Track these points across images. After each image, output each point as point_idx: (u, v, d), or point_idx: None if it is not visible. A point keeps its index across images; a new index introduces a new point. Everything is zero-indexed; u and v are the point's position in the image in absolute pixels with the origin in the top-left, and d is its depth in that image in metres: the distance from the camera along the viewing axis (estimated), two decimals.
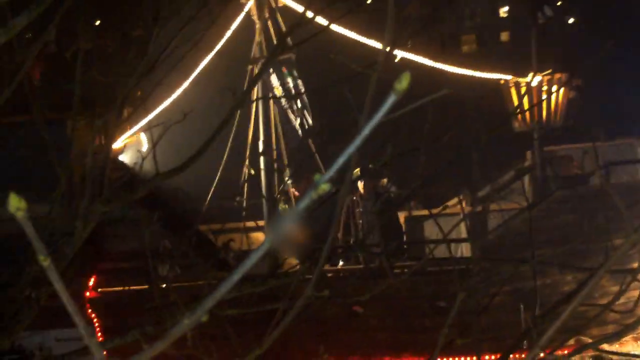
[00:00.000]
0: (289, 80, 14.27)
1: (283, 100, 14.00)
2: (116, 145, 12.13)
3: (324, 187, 1.13)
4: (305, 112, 14.45)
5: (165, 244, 11.96)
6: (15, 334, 4.60)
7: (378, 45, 15.45)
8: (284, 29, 13.80)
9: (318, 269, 2.23)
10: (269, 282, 3.68)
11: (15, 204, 1.14)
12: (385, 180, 13.19)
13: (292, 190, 14.92)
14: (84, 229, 4.14)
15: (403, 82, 1.13)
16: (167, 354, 3.63)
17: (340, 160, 1.17)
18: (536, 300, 4.53)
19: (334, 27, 13.84)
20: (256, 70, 13.40)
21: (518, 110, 12.62)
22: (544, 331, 2.69)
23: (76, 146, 5.70)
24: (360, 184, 14.03)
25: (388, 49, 1.74)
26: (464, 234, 14.46)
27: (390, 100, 1.14)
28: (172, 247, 10.68)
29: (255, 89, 13.46)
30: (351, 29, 15.14)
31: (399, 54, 15.86)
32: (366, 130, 1.17)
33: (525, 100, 15.18)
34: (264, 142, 14.48)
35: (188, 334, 3.14)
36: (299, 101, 14.37)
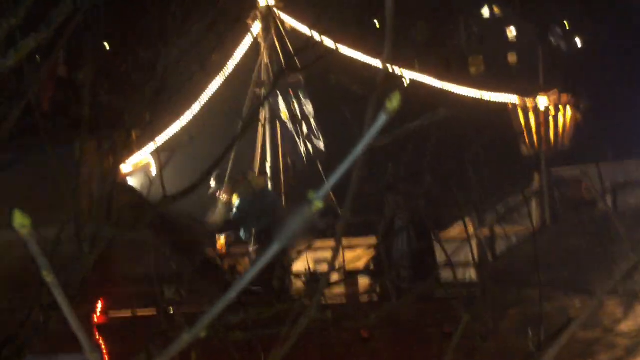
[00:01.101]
0: (297, 104, 14.29)
1: (289, 125, 14.04)
2: (125, 169, 12.16)
3: (318, 204, 1.13)
4: (313, 136, 14.46)
5: (171, 266, 11.97)
6: (22, 358, 4.59)
7: (403, 70, 15.46)
8: (291, 51, 13.85)
9: (319, 292, 2.23)
10: (276, 306, 3.67)
11: (20, 220, 1.15)
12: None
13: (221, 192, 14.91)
14: (92, 253, 4.14)
15: (394, 102, 1.14)
16: None
17: (333, 179, 1.18)
18: (543, 324, 4.51)
19: (343, 49, 13.88)
20: (263, 93, 13.42)
21: (524, 130, 12.62)
22: (546, 355, 2.68)
23: (84, 170, 5.71)
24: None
25: (386, 68, 1.74)
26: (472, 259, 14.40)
27: (381, 120, 1.14)
28: (178, 270, 10.68)
29: (263, 111, 13.49)
30: (360, 50, 15.18)
31: (407, 74, 15.88)
32: (358, 149, 1.17)
33: (533, 122, 15.18)
34: (271, 165, 14.50)
35: (192, 356, 3.13)
36: (305, 125, 14.39)
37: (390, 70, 2.15)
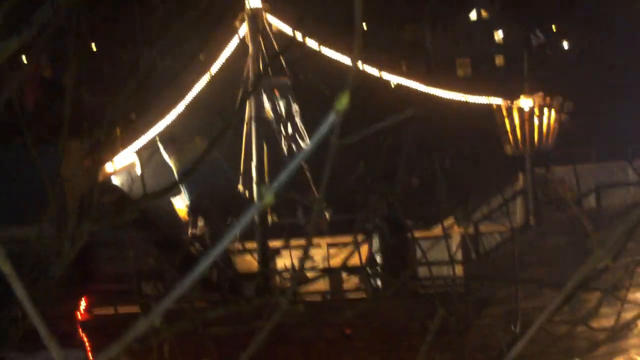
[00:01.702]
0: (282, 103, 14.34)
1: (273, 124, 14.08)
2: (108, 168, 12.19)
3: (269, 199, 1.17)
4: (298, 135, 14.51)
5: (149, 262, 12.00)
6: (2, 352, 4.63)
7: (372, 69, 15.55)
8: (277, 51, 13.89)
9: (293, 285, 2.29)
10: (254, 301, 3.71)
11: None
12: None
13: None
14: (72, 249, 4.17)
15: (342, 101, 1.18)
16: None
17: (283, 176, 1.22)
18: (519, 319, 4.58)
19: (325, 51, 13.92)
20: (248, 92, 13.46)
21: (508, 129, 12.69)
22: (514, 349, 2.74)
23: (67, 167, 5.74)
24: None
25: (356, 66, 1.80)
26: (458, 256, 14.50)
27: (330, 119, 1.19)
28: (156, 265, 10.72)
29: (247, 109, 13.53)
30: (344, 52, 15.24)
31: (393, 78, 15.94)
32: (309, 148, 1.22)
33: (517, 123, 15.27)
34: (256, 163, 14.54)
35: (165, 348, 3.17)
36: (290, 125, 14.44)
37: (360, 69, 2.21)
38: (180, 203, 14.25)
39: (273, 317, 2.41)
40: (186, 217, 14.39)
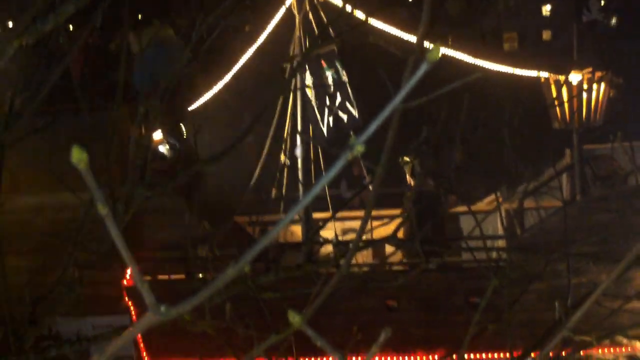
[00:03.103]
0: (330, 74, 14.30)
1: (314, 102, 14.03)
2: (157, 136, 12.27)
3: (359, 148, 1.18)
4: (348, 104, 14.47)
5: (204, 225, 12.07)
6: (54, 316, 4.71)
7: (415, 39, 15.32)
8: (325, 21, 13.85)
9: (351, 252, 2.30)
10: (306, 266, 3.74)
11: (77, 156, 1.21)
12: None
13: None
14: (126, 213, 4.23)
15: (434, 53, 1.19)
16: (206, 333, 3.72)
17: (374, 125, 1.22)
18: (570, 293, 4.55)
19: (373, 22, 13.85)
20: (295, 64, 13.44)
21: (556, 103, 12.56)
22: (571, 321, 2.73)
23: (118, 135, 5.81)
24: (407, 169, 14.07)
25: (422, 42, 1.79)
26: (500, 232, 14.44)
27: (423, 68, 1.19)
28: (210, 231, 10.77)
29: (294, 81, 13.51)
30: (392, 24, 15.16)
31: (440, 50, 15.81)
32: (397, 100, 1.22)
33: (565, 97, 15.11)
34: (301, 132, 14.51)
35: (227, 307, 3.22)
36: (339, 94, 14.40)
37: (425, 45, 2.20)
38: None
39: (332, 280, 2.42)
40: None
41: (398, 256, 12.08)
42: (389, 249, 11.82)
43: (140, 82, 11.68)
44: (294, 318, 1.34)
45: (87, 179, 1.20)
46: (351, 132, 13.78)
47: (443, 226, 13.44)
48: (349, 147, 1.19)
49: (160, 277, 11.54)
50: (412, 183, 14.19)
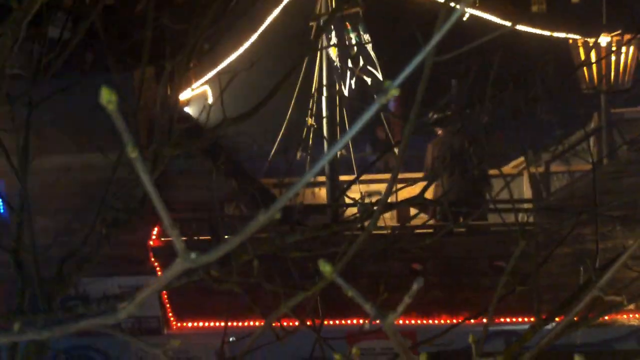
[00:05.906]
0: (354, 36, 14.22)
1: (337, 63, 13.95)
2: (183, 96, 12.27)
3: (394, 92, 1.15)
4: (371, 67, 14.39)
5: (232, 183, 12.06)
6: (81, 274, 4.74)
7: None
8: None
9: (378, 211, 2.28)
10: (332, 227, 3.74)
11: (107, 96, 1.20)
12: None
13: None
14: (153, 172, 4.23)
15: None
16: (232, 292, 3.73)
17: (410, 67, 1.20)
18: (596, 258, 4.51)
19: None
20: (321, 22, 13.37)
21: (584, 65, 12.41)
22: (601, 281, 2.70)
23: (143, 96, 5.80)
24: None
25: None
26: (527, 196, 14.38)
27: (459, 11, 1.16)
28: (237, 191, 10.73)
29: (320, 41, 13.43)
30: None
31: (468, 11, 15.67)
32: (435, 39, 1.20)
33: (594, 59, 14.93)
34: (326, 93, 14.45)
35: (255, 264, 3.22)
36: (362, 57, 14.32)
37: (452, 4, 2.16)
38: None
39: (359, 239, 2.40)
40: None
41: (423, 218, 12.06)
42: (414, 211, 11.80)
43: None
44: (325, 267, 1.32)
45: (116, 120, 1.19)
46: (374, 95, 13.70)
47: (477, 187, 13.30)
48: (384, 91, 1.17)
49: (187, 238, 11.59)
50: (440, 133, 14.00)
